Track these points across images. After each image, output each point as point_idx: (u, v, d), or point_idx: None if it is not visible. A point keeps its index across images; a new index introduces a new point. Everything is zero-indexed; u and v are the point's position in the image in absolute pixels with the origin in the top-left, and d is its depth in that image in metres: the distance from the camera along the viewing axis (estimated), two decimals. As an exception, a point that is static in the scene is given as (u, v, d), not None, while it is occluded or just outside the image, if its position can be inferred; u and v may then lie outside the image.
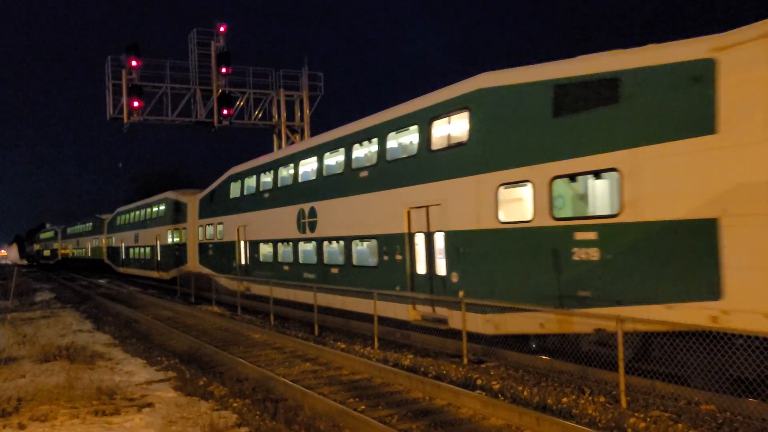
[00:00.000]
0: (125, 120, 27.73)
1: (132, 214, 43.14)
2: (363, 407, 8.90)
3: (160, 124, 29.23)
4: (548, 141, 10.44)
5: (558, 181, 10.26)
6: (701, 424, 7.57)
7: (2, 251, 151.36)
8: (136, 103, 27.48)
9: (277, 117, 30.92)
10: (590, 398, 8.76)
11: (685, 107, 8.55)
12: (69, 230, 75.17)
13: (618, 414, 7.96)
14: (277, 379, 10.37)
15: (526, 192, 10.90)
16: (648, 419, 7.69)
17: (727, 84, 8.11)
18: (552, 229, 10.32)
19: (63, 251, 79.00)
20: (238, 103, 30.18)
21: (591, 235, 9.67)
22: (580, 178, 10.14)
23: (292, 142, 30.40)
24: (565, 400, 8.68)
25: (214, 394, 9.77)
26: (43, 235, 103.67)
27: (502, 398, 8.90)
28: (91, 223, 59.40)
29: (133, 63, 27.46)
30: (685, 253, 8.55)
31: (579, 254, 9.84)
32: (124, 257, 45.56)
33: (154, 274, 36.90)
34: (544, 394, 9.00)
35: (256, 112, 30.57)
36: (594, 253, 9.62)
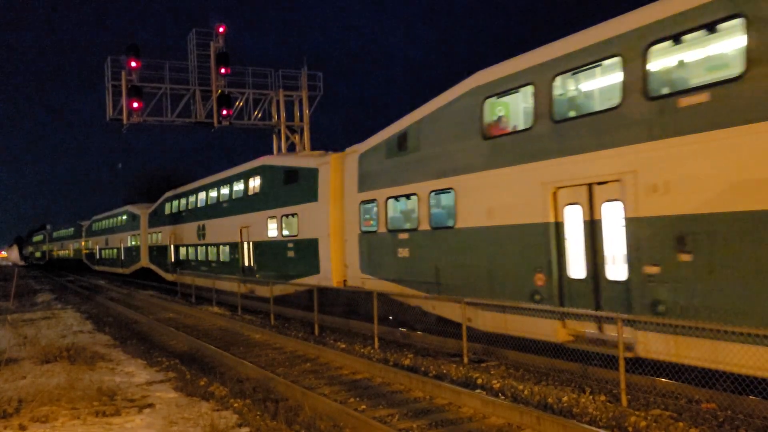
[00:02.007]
0: (125, 121, 27.61)
1: (103, 221, 53.38)
2: (363, 407, 8.91)
3: (160, 124, 29.13)
4: (282, 196, 20.51)
5: (284, 217, 20.38)
6: (702, 422, 7.57)
7: (2, 253, 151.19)
8: (135, 104, 27.34)
9: (276, 117, 30.85)
10: (591, 397, 8.76)
11: (311, 187, 18.41)
12: (54, 234, 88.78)
13: (619, 413, 7.96)
14: (277, 379, 10.38)
15: (275, 222, 21.10)
16: (649, 418, 7.69)
17: (319, 179, 17.99)
18: (282, 240, 20.57)
19: (52, 253, 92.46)
20: (237, 103, 30.09)
21: (291, 244, 19.81)
22: (289, 216, 20.03)
23: (292, 143, 30.45)
24: (565, 398, 8.68)
25: (215, 394, 9.76)
26: (34, 239, 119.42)
27: (502, 397, 8.91)
28: (72, 229, 72.15)
29: (133, 64, 27.34)
30: (311, 253, 18.40)
31: (288, 253, 20.03)
32: (98, 257, 56.22)
33: (119, 270, 46.65)
34: (545, 393, 9.00)
35: (256, 113, 30.47)
36: (292, 253, 19.77)
